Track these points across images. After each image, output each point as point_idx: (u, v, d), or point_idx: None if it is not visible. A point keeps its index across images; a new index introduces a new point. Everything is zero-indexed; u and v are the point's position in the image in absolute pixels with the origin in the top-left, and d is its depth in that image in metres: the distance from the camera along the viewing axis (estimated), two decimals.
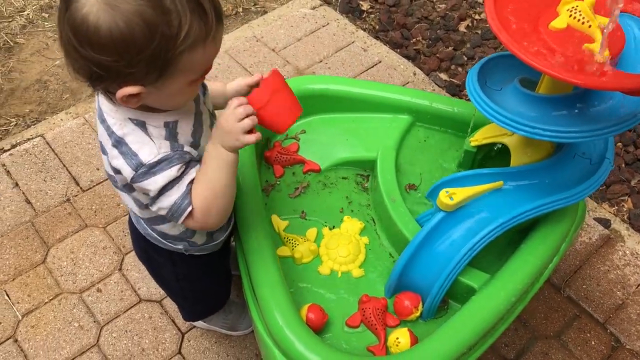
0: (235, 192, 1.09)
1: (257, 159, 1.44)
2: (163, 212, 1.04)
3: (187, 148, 1.03)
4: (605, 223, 1.99)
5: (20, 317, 1.70)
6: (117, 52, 0.87)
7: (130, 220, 1.30)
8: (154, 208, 1.04)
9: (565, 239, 1.34)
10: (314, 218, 1.43)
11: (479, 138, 1.39)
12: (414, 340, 1.19)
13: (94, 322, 1.70)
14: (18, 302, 1.73)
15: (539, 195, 1.23)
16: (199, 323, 1.67)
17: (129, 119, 0.99)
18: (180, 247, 1.25)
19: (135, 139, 0.99)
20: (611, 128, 1.08)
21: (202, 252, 1.29)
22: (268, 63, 2.42)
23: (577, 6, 1.04)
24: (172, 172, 1.00)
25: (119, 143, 0.99)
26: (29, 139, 2.12)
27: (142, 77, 0.91)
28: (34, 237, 1.86)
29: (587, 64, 1.01)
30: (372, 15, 2.76)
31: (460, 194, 1.22)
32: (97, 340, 1.66)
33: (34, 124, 2.21)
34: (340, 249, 1.35)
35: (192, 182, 1.02)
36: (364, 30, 2.64)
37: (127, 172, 0.99)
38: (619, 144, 2.22)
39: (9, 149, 2.10)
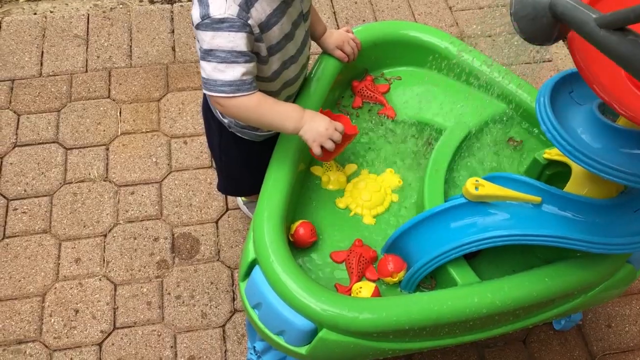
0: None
1: (338, 83, 1.47)
2: (202, 74, 1.13)
3: (251, 22, 1.08)
4: None
5: (119, 133, 1.98)
6: None
7: None
8: (201, 63, 1.12)
9: (587, 292, 1.21)
10: (361, 156, 1.44)
11: (553, 152, 1.27)
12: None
13: (168, 165, 1.91)
14: (124, 122, 2.00)
15: (573, 228, 1.11)
16: (242, 207, 1.80)
17: None
18: (226, 121, 1.35)
19: None
20: None
21: (242, 135, 1.38)
22: (437, 18, 2.37)
23: None
24: (232, 36, 1.06)
25: None
26: None
27: None
28: (162, 77, 2.11)
29: None
30: None
31: (488, 189, 1.15)
32: (162, 180, 1.88)
33: None
34: (365, 192, 1.36)
35: (244, 74, 1.10)
36: None
37: (195, 17, 1.08)
38: None
39: (184, 1, 2.35)
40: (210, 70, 1.10)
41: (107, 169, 1.89)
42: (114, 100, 2.05)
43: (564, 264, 1.18)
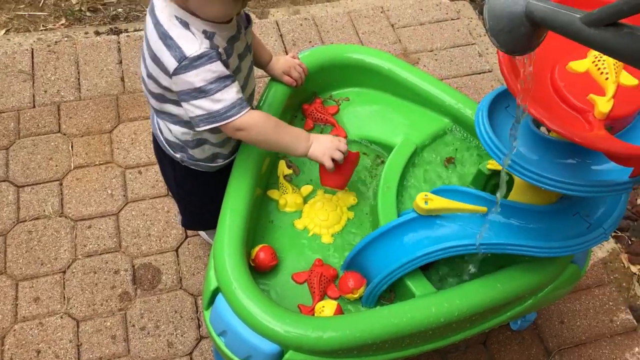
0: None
1: (288, 107, 1.51)
2: (198, 112, 1.13)
3: (220, 50, 1.13)
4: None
5: (72, 167, 1.96)
6: None
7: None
8: (193, 104, 1.13)
9: (537, 294, 1.28)
10: (316, 177, 1.47)
11: (496, 163, 1.34)
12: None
13: (124, 196, 1.91)
14: (76, 155, 1.99)
15: (518, 235, 1.18)
16: (202, 233, 1.81)
17: (175, 16, 1.10)
18: (178, 156, 1.37)
19: (180, 34, 1.09)
20: (598, 188, 1.01)
21: (197, 167, 1.40)
22: (381, 36, 2.45)
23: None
24: (216, 67, 1.09)
25: (164, 36, 1.10)
26: None
27: None
28: (113, 109, 2.11)
29: (584, 116, 0.95)
30: None
31: (436, 203, 1.21)
32: (119, 212, 1.88)
33: None
34: (321, 211, 1.39)
35: (238, 92, 1.13)
36: None
37: (171, 63, 1.09)
38: None
39: (130, 32, 2.36)
40: (208, 105, 1.12)
41: (62, 205, 1.87)
42: (64, 134, 2.03)
43: (514, 269, 1.24)
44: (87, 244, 1.81)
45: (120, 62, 2.24)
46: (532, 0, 0.79)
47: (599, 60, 0.98)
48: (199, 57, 1.07)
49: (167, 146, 1.35)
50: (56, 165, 1.96)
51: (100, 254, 1.79)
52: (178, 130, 1.28)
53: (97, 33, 2.34)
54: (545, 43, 1.04)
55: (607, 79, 0.96)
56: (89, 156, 1.99)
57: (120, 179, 1.94)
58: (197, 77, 1.08)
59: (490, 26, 0.84)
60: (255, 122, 1.18)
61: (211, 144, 1.33)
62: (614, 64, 0.97)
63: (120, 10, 2.48)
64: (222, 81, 1.11)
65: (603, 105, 0.94)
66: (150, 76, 1.19)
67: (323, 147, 1.24)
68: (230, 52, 1.17)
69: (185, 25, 1.09)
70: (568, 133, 0.87)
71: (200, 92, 1.10)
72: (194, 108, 1.13)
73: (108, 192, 1.91)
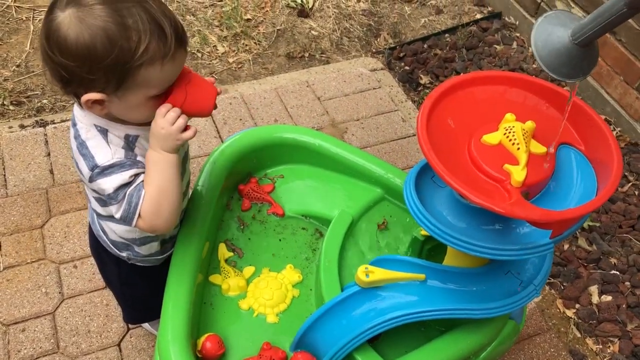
0: (181, 193, 1.18)
1: (225, 189, 1.53)
2: (117, 215, 1.15)
3: (140, 158, 1.14)
4: (580, 359, 1.89)
5: (1, 269, 1.88)
6: (80, 58, 1.00)
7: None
8: (109, 208, 1.15)
9: (480, 354, 1.32)
10: (259, 257, 1.49)
11: None
12: None
13: (59, 293, 1.84)
14: (5, 255, 1.91)
15: (456, 299, 1.22)
16: (145, 325, 1.76)
17: (94, 125, 1.12)
18: (124, 255, 1.36)
19: (95, 144, 1.11)
20: (523, 251, 1.07)
21: (144, 263, 1.39)
22: (309, 109, 2.53)
23: (512, 126, 1.06)
24: (124, 176, 1.11)
25: (81, 145, 1.12)
26: None
27: (103, 85, 1.03)
28: (43, 203, 2.06)
29: (502, 185, 1.02)
30: (428, 90, 2.81)
31: (378, 274, 1.24)
32: (55, 310, 1.80)
33: None
34: (266, 290, 1.40)
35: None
36: (414, 102, 2.70)
37: (85, 172, 1.11)
38: (627, 283, 2.11)
39: (57, 123, 2.34)
40: (115, 210, 1.13)
41: None
42: None
43: (456, 332, 1.28)
44: (21, 348, 1.71)
45: (49, 155, 2.21)
46: (574, 32, 0.86)
47: (509, 132, 1.06)
48: (110, 166, 1.09)
49: (112, 246, 1.34)
50: None
51: (36, 358, 1.70)
52: (121, 229, 1.27)
53: (22, 126, 2.30)
54: (459, 120, 1.12)
55: (518, 149, 1.04)
56: (20, 255, 1.92)
57: (55, 276, 1.87)
58: (110, 184, 1.10)
59: (546, 63, 0.89)
60: (147, 212, 1.12)
61: (155, 239, 1.33)
62: (523, 134, 1.05)
63: (45, 101, 2.46)
64: (125, 187, 1.11)
65: (518, 174, 1.01)
66: (82, 180, 1.19)
67: (165, 138, 1.10)
68: None
69: (104, 133, 1.11)
70: (489, 205, 0.94)
71: (112, 199, 1.12)
72: (117, 213, 1.15)
73: (42, 291, 1.84)
